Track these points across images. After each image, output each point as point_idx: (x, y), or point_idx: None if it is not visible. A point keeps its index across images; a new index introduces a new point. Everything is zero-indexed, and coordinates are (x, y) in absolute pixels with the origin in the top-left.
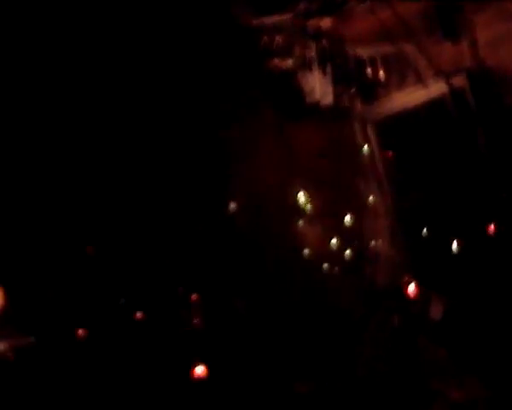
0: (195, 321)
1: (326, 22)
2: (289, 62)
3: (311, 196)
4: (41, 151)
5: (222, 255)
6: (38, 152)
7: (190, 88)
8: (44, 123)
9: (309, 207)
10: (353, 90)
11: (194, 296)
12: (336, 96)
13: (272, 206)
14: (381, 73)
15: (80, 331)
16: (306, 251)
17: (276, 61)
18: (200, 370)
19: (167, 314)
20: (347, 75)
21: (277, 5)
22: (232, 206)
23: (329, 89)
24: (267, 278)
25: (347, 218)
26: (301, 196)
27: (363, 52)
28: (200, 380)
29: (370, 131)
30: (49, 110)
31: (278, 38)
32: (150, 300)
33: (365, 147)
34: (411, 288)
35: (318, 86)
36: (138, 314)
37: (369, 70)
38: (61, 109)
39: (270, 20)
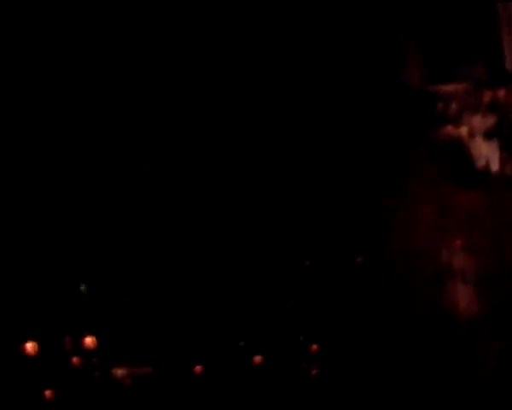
0: (313, 372)
1: (501, 93)
2: (462, 130)
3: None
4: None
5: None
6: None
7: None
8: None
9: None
10: None
11: (314, 347)
12: (502, 163)
13: (426, 266)
14: None
15: (198, 368)
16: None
17: (450, 127)
18: None
19: (285, 361)
20: None
21: (452, 73)
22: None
23: (496, 156)
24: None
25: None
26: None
27: None
28: None
29: None
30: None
31: (453, 106)
32: (270, 345)
33: None
34: None
35: (486, 154)
36: (257, 358)
37: None
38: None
39: (447, 88)
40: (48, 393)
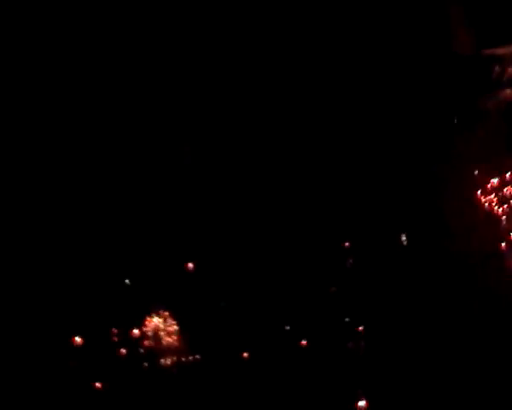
0: (360, 353)
1: None
2: None
3: None
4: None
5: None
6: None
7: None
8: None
9: None
10: None
11: (360, 328)
12: None
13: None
14: None
15: (245, 354)
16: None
17: (508, 91)
18: (362, 403)
19: (332, 344)
20: None
21: (507, 36)
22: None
23: None
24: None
25: None
26: None
27: None
28: None
29: None
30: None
31: (510, 69)
32: (316, 328)
33: None
34: None
35: None
36: (303, 342)
37: None
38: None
39: (502, 50)
40: (97, 384)
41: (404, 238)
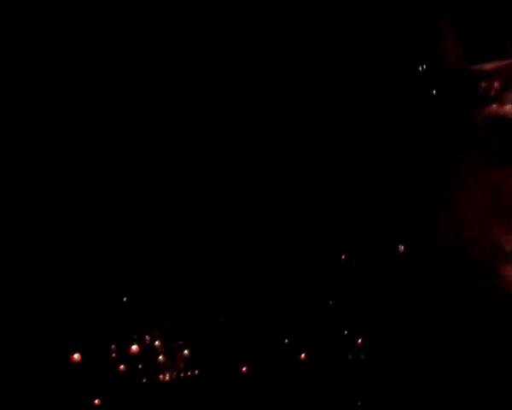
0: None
1: None
2: (507, 108)
3: None
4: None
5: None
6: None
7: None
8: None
9: None
10: None
11: (359, 341)
12: None
13: (474, 247)
14: None
15: (244, 368)
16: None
17: (494, 106)
18: None
19: (331, 357)
20: None
21: (494, 50)
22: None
23: None
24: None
25: None
26: None
27: None
28: None
29: None
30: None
31: (497, 84)
32: (314, 341)
33: None
34: None
35: None
36: (302, 355)
37: None
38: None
39: (490, 65)
40: (96, 401)
41: (401, 248)
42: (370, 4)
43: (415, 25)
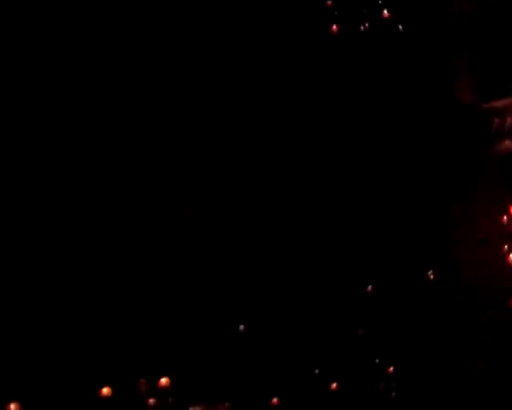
0: (392, 394)
1: None
2: None
3: None
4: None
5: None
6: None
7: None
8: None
9: None
10: None
11: (390, 369)
12: None
13: (495, 277)
14: None
15: (275, 400)
16: None
17: (507, 142)
18: None
19: (362, 385)
20: None
21: (505, 89)
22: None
23: None
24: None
25: None
26: None
27: None
28: None
29: None
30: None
31: (509, 120)
32: (345, 370)
33: None
34: None
35: None
36: (334, 385)
37: None
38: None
39: (500, 102)
40: None
41: (431, 277)
42: (388, 41)
43: (432, 64)
